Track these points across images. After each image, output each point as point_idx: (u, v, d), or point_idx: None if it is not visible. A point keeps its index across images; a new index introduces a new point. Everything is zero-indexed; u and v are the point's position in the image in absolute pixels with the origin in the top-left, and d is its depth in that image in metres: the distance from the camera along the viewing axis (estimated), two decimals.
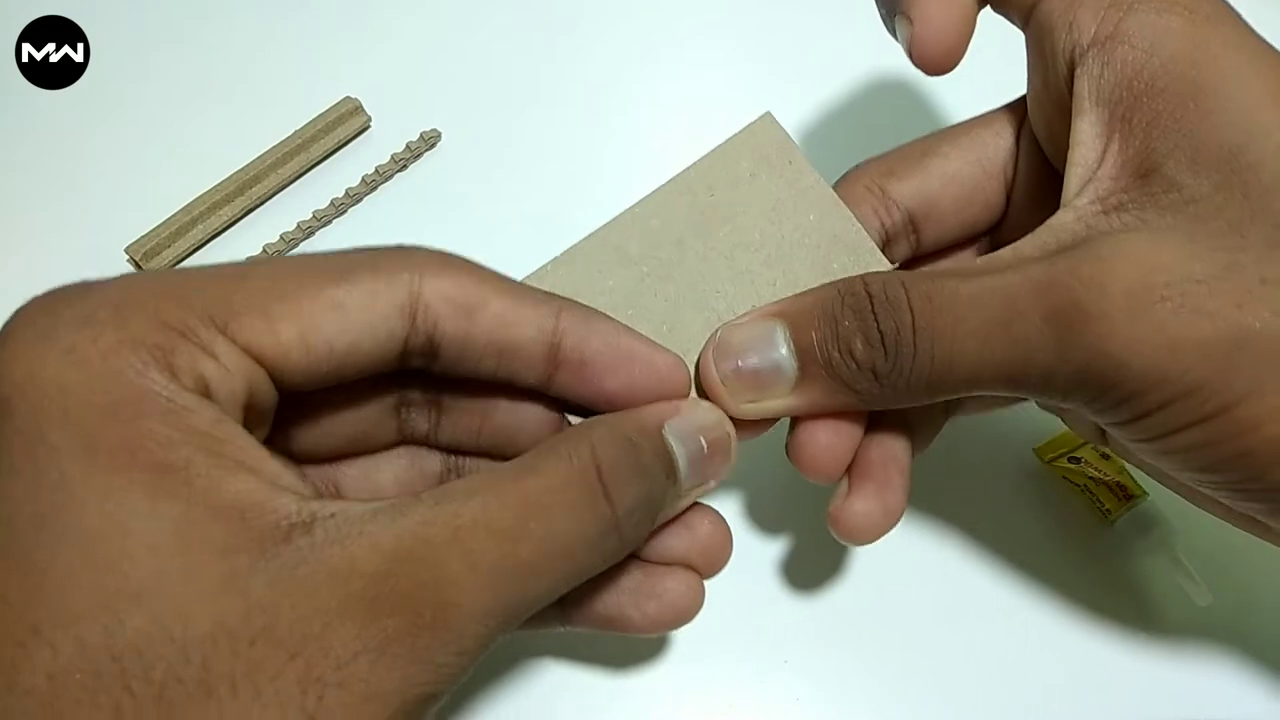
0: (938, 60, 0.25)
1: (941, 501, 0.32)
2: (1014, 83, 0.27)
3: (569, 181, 0.40)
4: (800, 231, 0.25)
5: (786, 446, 0.25)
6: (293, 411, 0.21)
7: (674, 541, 0.24)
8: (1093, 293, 0.20)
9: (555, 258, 0.25)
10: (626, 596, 0.24)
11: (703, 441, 0.22)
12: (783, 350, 0.23)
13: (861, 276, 0.23)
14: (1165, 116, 0.21)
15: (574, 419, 0.24)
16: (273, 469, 0.18)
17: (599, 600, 0.24)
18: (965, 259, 0.29)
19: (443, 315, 0.20)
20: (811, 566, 0.32)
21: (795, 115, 0.41)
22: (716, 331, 0.24)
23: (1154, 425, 0.21)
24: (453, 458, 0.25)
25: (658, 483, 0.21)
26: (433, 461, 0.25)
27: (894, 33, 0.27)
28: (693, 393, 0.24)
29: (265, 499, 0.17)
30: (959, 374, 0.22)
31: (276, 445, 0.22)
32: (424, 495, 0.18)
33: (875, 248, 0.25)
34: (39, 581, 0.16)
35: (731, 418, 0.24)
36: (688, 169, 0.25)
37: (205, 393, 0.18)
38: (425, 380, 0.23)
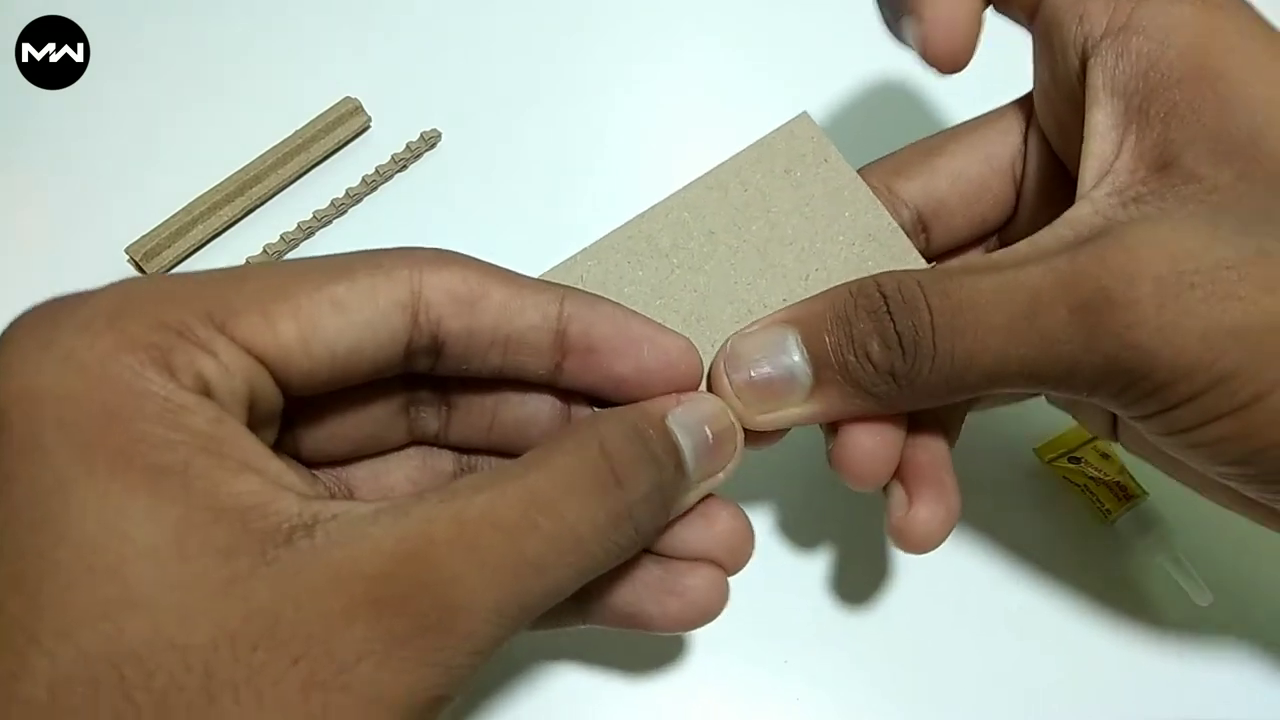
0: (949, 58, 0.25)
1: None
2: (1021, 78, 0.27)
3: (569, 182, 0.40)
4: (835, 228, 0.25)
5: (829, 455, 0.25)
6: (302, 415, 0.21)
7: (693, 535, 0.24)
8: (1121, 281, 0.19)
9: (584, 248, 0.25)
10: (647, 592, 0.23)
11: (708, 432, 0.22)
12: (795, 357, 0.23)
13: (874, 276, 0.22)
14: (1183, 106, 0.21)
15: (599, 410, 0.23)
16: (275, 468, 0.18)
17: (618, 596, 0.23)
18: (975, 256, 0.29)
19: (445, 311, 0.20)
20: (811, 566, 0.32)
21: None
22: (727, 342, 0.24)
23: (1184, 417, 0.20)
24: (465, 457, 0.25)
25: (668, 471, 0.21)
26: (445, 461, 0.25)
27: (899, 36, 0.27)
28: (701, 386, 0.24)
29: (267, 500, 0.17)
30: (981, 371, 0.21)
31: (286, 449, 0.22)
32: (428, 494, 0.18)
33: (910, 246, 0.25)
34: (37, 589, 0.15)
35: (745, 429, 0.23)
36: (721, 164, 0.25)
37: (205, 392, 0.17)
38: (434, 379, 0.23)
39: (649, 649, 0.30)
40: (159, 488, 0.16)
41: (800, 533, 0.32)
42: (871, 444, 0.24)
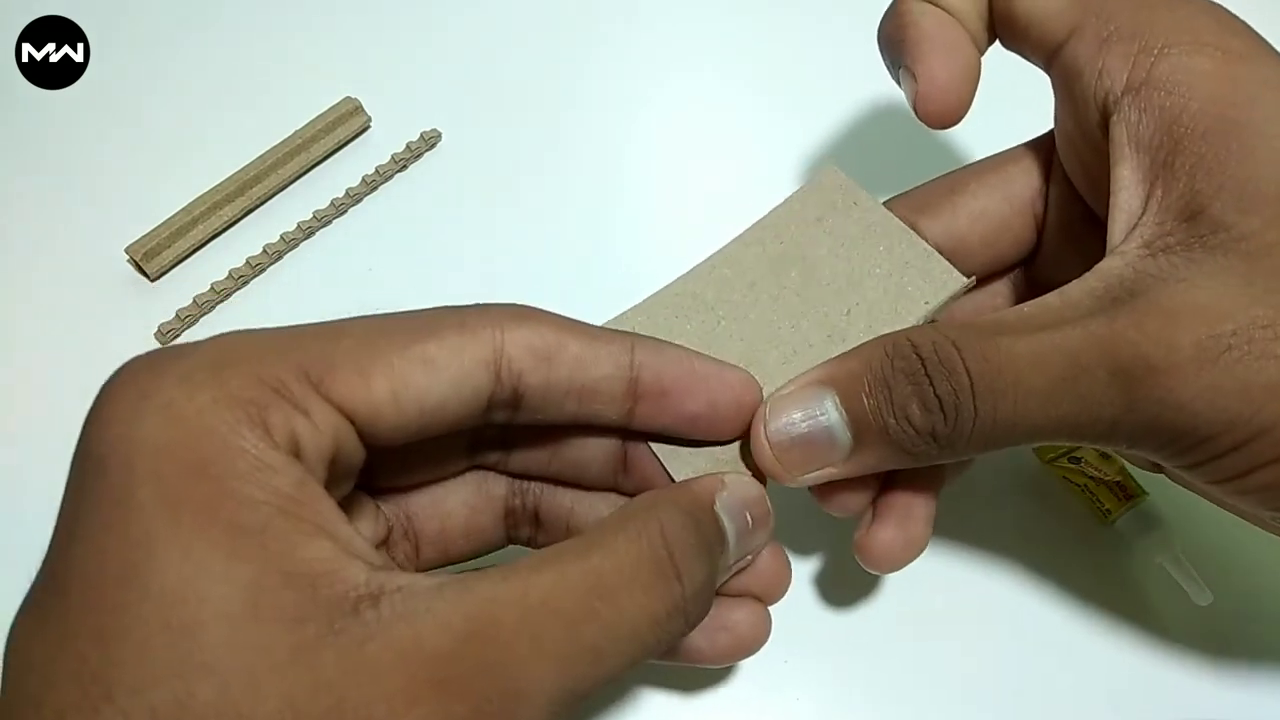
0: (942, 116, 0.25)
1: (942, 502, 0.32)
2: (1027, 96, 0.27)
3: (568, 182, 0.40)
4: (870, 262, 0.26)
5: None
6: (377, 453, 0.21)
7: (739, 574, 0.24)
8: (1160, 348, 0.20)
9: (634, 305, 0.26)
10: (697, 630, 0.23)
11: (748, 517, 0.23)
12: (835, 417, 0.23)
13: (908, 336, 0.22)
14: (1209, 159, 0.21)
15: (656, 446, 0.24)
16: (346, 534, 0.18)
17: None
18: (998, 289, 0.30)
19: (526, 366, 0.21)
20: (811, 567, 0.32)
21: (804, 131, 0.41)
22: (765, 406, 0.24)
23: (1228, 466, 0.21)
24: (518, 482, 0.25)
25: (717, 560, 0.21)
26: (499, 486, 0.25)
27: (898, 83, 0.27)
28: (738, 464, 0.24)
29: (336, 567, 0.17)
30: (1021, 430, 0.22)
31: (359, 482, 0.22)
32: (491, 571, 0.18)
33: (950, 266, 0.26)
34: (117, 643, 0.15)
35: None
36: (757, 222, 0.26)
37: (295, 451, 0.18)
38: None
39: None
40: (236, 547, 0.16)
41: (801, 533, 0.32)
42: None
